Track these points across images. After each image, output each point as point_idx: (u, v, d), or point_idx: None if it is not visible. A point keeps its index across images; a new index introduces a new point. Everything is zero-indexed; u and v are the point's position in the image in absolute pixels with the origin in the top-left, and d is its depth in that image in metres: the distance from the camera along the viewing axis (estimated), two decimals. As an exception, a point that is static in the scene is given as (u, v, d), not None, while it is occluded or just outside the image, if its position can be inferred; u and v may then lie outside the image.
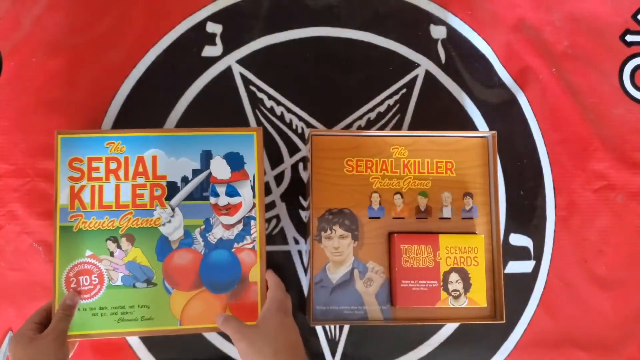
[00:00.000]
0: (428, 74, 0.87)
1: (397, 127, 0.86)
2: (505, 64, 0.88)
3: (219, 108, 0.84)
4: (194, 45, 0.85)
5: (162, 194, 0.73)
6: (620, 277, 0.85)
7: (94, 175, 0.73)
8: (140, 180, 0.73)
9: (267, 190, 0.83)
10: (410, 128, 0.86)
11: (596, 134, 0.88)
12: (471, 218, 0.79)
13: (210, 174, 0.74)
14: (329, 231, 0.77)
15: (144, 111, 0.82)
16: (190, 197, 0.73)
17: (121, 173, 0.73)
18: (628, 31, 0.91)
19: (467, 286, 0.75)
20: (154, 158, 0.73)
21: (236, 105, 0.84)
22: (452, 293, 0.74)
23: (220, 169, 0.74)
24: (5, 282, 0.79)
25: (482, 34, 0.89)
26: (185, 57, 0.85)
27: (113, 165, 0.73)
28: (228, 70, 0.85)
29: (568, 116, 0.88)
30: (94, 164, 0.73)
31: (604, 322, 0.84)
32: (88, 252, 0.71)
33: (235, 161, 0.74)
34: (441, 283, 0.74)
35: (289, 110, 0.85)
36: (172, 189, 0.73)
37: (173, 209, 0.73)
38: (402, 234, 0.76)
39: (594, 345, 0.84)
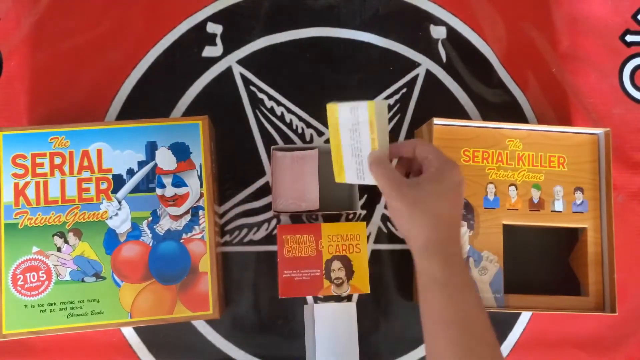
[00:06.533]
0: (429, 73, 0.87)
1: (398, 126, 0.86)
2: (505, 64, 0.88)
3: (219, 108, 0.83)
4: (194, 46, 0.85)
5: (108, 187, 0.73)
6: (620, 276, 0.84)
7: (38, 171, 0.73)
8: (86, 174, 0.73)
9: (267, 190, 0.83)
10: (411, 127, 0.86)
11: (596, 134, 0.88)
12: (582, 212, 0.80)
13: (155, 165, 0.74)
14: None
15: (144, 112, 0.82)
16: (136, 189, 0.74)
17: (66, 168, 0.73)
18: (628, 31, 0.91)
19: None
20: (99, 151, 0.74)
21: (236, 106, 0.84)
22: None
23: (165, 159, 0.74)
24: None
25: (482, 34, 0.89)
26: (185, 58, 0.85)
27: (57, 161, 0.73)
28: (228, 71, 0.85)
29: (568, 116, 0.88)
30: (38, 160, 0.73)
31: (604, 322, 0.84)
32: (35, 249, 0.71)
33: (180, 151, 0.74)
34: None
35: (289, 111, 0.85)
36: (118, 181, 0.74)
37: (119, 202, 0.73)
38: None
39: (594, 345, 0.84)
